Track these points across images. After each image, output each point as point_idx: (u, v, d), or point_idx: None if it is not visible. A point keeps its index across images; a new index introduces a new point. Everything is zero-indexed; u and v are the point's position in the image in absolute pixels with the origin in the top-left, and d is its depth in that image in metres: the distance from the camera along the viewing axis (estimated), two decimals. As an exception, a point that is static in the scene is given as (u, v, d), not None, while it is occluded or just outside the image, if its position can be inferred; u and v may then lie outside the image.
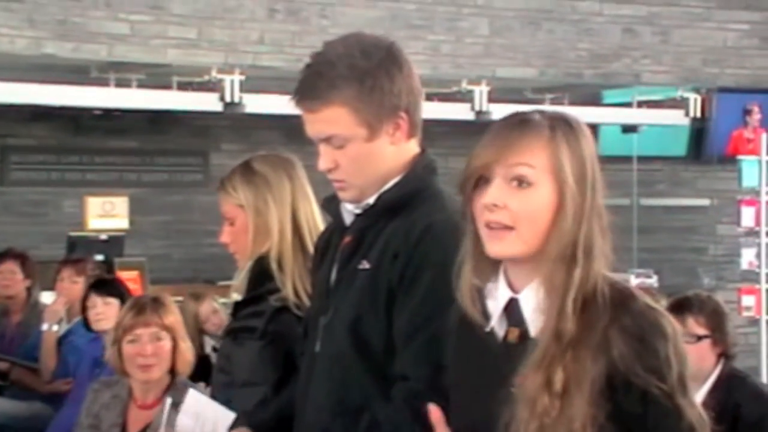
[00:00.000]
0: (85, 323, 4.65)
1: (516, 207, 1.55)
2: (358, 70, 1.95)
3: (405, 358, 1.90)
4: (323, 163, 2.00)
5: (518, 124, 1.59)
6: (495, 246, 1.57)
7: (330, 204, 2.11)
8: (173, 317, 3.23)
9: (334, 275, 2.05)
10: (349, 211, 2.07)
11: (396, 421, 1.89)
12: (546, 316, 1.55)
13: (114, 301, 4.52)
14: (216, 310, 5.57)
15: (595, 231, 1.56)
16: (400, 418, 1.88)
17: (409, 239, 1.93)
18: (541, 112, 1.61)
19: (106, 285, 4.71)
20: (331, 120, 1.96)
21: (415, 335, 1.90)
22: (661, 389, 1.51)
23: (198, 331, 5.46)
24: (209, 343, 5.43)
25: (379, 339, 1.94)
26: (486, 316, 1.62)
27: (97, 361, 4.48)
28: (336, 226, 2.12)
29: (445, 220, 1.91)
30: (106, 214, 7.14)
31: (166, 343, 3.17)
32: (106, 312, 4.50)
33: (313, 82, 1.97)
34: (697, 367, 3.30)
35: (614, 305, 1.54)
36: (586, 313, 1.53)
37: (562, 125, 1.59)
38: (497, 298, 1.61)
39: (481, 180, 1.58)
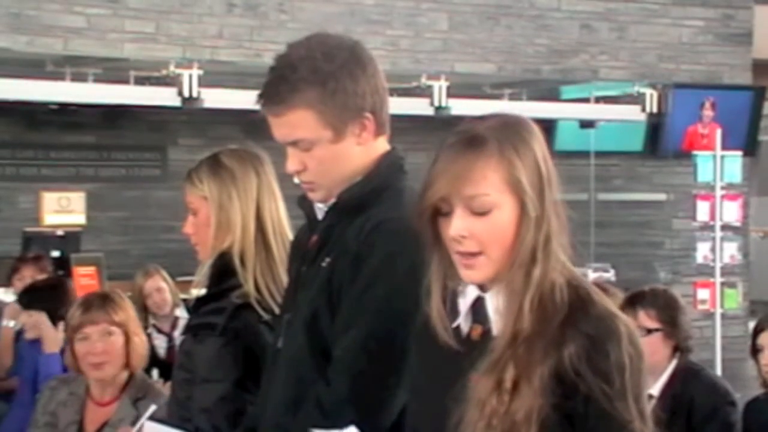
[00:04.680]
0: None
1: (481, 233, 1.55)
2: (321, 73, 1.95)
3: (333, 363, 1.93)
4: (291, 166, 2.00)
5: (466, 147, 1.55)
6: (469, 274, 1.57)
7: (304, 202, 2.12)
8: (123, 313, 3.16)
9: (302, 273, 2.07)
10: (321, 209, 2.08)
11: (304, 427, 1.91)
12: (504, 318, 1.56)
13: (37, 314, 4.39)
14: (160, 288, 5.54)
15: (553, 228, 1.56)
16: (308, 422, 1.90)
17: (358, 237, 1.94)
18: (486, 124, 1.58)
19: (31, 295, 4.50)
20: (295, 124, 1.96)
21: (347, 334, 1.92)
22: (605, 392, 1.50)
23: (143, 308, 5.46)
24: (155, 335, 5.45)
25: (333, 337, 1.95)
26: (456, 312, 1.64)
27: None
28: (308, 224, 2.13)
29: (396, 219, 1.92)
30: (63, 209, 7.07)
31: (118, 339, 3.12)
32: (29, 322, 4.39)
33: (276, 87, 1.97)
34: (649, 361, 3.34)
35: (572, 306, 1.54)
36: (541, 308, 1.54)
37: (509, 134, 1.56)
38: (467, 295, 1.62)
39: (442, 208, 1.57)
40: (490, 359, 1.53)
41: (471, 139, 1.56)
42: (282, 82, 1.96)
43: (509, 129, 1.58)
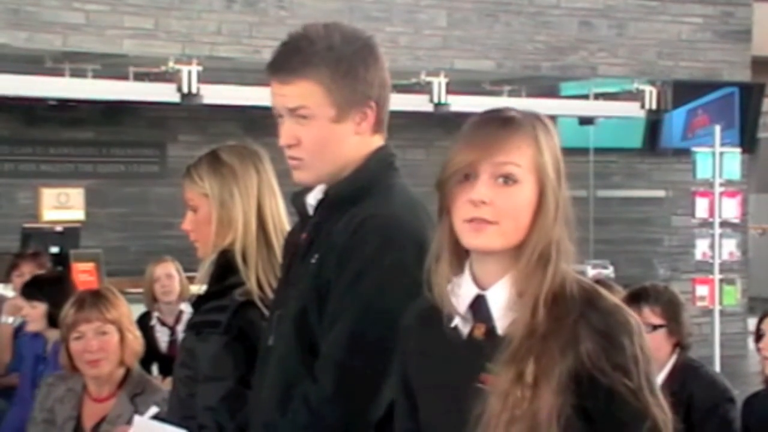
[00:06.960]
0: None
1: (502, 204, 1.57)
2: (336, 53, 1.97)
3: (320, 359, 1.92)
4: (284, 138, 2.00)
5: (503, 122, 1.60)
6: (475, 239, 1.58)
7: (297, 199, 2.12)
8: (116, 310, 3.17)
9: (292, 269, 2.07)
10: (311, 206, 2.07)
11: (293, 424, 1.92)
12: (519, 313, 1.56)
13: (41, 305, 4.41)
14: (170, 275, 5.52)
15: (564, 227, 1.59)
16: (296, 420, 1.91)
17: (345, 232, 1.94)
18: (516, 111, 1.63)
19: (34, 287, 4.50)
20: (301, 93, 1.97)
21: (333, 330, 1.91)
22: (627, 386, 1.53)
23: (152, 297, 5.46)
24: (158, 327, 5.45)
25: (321, 333, 1.95)
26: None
27: (39, 357, 4.42)
28: (300, 221, 2.13)
29: (384, 215, 1.92)
30: (62, 205, 7.07)
31: (113, 337, 3.13)
32: (31, 314, 4.41)
33: (290, 56, 1.97)
34: (653, 357, 3.34)
35: (582, 302, 1.56)
36: (554, 307, 1.56)
37: (539, 124, 1.62)
38: (460, 294, 1.62)
39: (462, 177, 1.59)
40: (509, 351, 1.54)
41: (507, 118, 1.61)
42: (297, 52, 1.97)
43: (538, 120, 1.63)
